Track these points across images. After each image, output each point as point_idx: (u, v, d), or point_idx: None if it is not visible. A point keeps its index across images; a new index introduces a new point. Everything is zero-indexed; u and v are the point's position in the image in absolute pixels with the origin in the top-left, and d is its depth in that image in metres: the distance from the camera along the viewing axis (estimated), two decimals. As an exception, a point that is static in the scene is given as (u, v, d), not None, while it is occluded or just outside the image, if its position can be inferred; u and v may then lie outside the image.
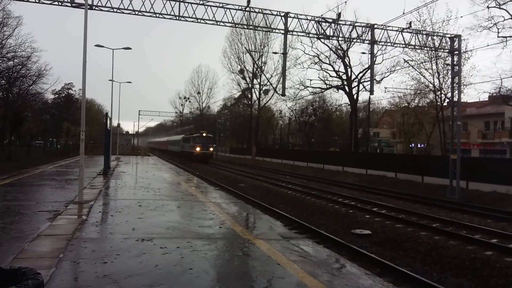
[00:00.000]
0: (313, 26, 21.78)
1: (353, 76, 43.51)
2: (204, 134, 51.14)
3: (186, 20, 19.58)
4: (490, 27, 27.25)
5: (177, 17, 19.37)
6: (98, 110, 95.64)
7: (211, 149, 51.31)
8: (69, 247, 6.73)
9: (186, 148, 54.93)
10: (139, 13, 18.95)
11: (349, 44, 39.49)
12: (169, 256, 6.36)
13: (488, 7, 26.93)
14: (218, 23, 20.10)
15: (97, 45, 31.91)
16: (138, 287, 5.01)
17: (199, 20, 19.71)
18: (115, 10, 18.61)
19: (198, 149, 48.83)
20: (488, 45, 36.51)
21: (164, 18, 19.32)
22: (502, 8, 26.81)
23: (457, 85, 22.62)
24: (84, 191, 12.65)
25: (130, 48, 35.06)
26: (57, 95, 69.24)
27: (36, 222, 8.79)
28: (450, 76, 24.67)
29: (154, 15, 19.13)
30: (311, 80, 57.92)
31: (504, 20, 26.93)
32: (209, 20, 19.85)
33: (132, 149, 70.38)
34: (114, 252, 6.45)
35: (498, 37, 27.11)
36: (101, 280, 5.19)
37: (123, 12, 18.84)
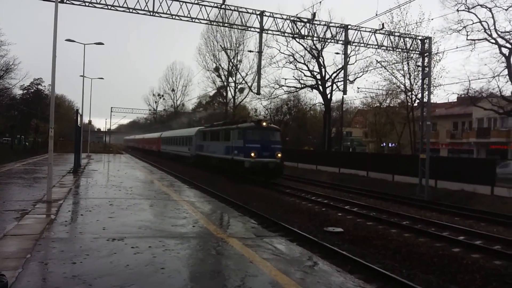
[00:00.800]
0: (288, 26, 21.91)
1: (327, 76, 44.08)
2: (264, 124, 26.73)
3: (161, 16, 19.33)
4: (460, 30, 28.16)
5: (151, 13, 19.10)
6: (68, 106, 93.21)
7: (279, 154, 25.57)
8: (36, 247, 6.54)
9: (217, 152, 30.60)
10: (112, 8, 18.58)
11: (323, 44, 39.95)
12: (141, 256, 6.27)
13: (457, 10, 27.81)
14: (193, 20, 19.94)
15: (68, 40, 31.16)
16: (108, 287, 4.92)
17: (173, 17, 19.50)
18: (87, 4, 18.20)
19: (253, 154, 24.73)
20: (457, 48, 37.78)
21: (138, 13, 19.02)
22: (471, 12, 27.75)
23: (427, 86, 23.21)
24: (53, 189, 12.34)
25: (102, 43, 34.30)
26: (25, 91, 67.02)
27: (2, 222, 8.50)
28: (420, 77, 25.31)
29: (128, 10, 18.80)
30: (286, 79, 57.97)
31: (473, 23, 27.88)
32: (184, 16, 19.67)
33: (104, 147, 69.03)
34: (84, 252, 6.31)
35: (467, 39, 28.06)
36: (69, 281, 5.07)
37: (95, 6, 18.45)
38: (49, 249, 6.55)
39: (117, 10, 18.70)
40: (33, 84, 67.48)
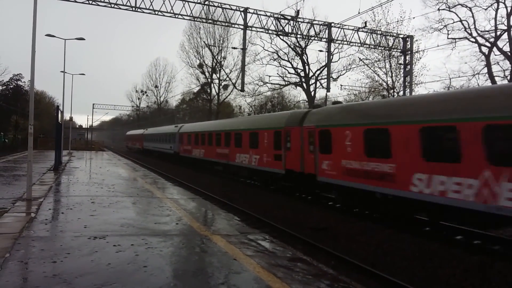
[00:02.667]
0: (272, 23, 21.95)
1: (311, 73, 44.22)
2: None
3: (143, 12, 19.15)
4: (441, 29, 28.59)
5: (134, 8, 18.89)
6: (49, 102, 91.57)
7: None
8: (16, 246, 6.42)
9: None
10: (93, 3, 18.31)
11: (307, 42, 40.06)
12: (123, 254, 6.22)
13: (439, 9, 28.25)
14: (177, 16, 19.78)
15: (48, 35, 30.54)
16: (89, 286, 4.85)
17: (156, 12, 19.33)
18: (67, -2, 17.89)
19: None
20: (438, 46, 38.21)
21: (120, 8, 18.83)
22: (452, 11, 28.23)
23: (408, 84, 23.53)
24: (33, 187, 12.13)
25: (84, 39, 33.69)
26: (5, 87, 65.47)
27: (-20, 221, 8.32)
28: (402, 75, 25.62)
29: (109, 5, 18.58)
30: (270, 76, 57.71)
31: (454, 22, 28.35)
32: (167, 12, 19.52)
33: (86, 144, 68.11)
34: (64, 251, 6.22)
35: (447, 38, 28.51)
36: (50, 280, 4.99)
37: (76, 1, 18.13)
38: (29, 248, 6.43)
39: (98, 5, 18.44)
40: (13, 80, 65.99)
